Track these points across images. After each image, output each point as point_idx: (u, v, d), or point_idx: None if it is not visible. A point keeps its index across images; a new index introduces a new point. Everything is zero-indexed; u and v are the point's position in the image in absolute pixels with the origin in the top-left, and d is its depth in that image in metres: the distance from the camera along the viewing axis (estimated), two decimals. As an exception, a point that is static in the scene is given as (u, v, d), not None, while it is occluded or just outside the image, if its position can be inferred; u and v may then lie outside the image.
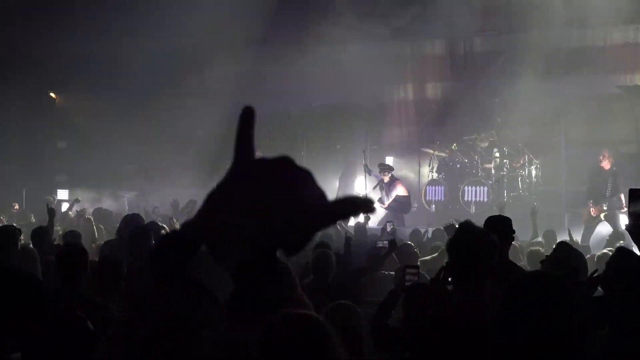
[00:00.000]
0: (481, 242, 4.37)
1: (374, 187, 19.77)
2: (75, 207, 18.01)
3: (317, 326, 2.75)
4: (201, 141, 22.21)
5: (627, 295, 5.41)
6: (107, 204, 19.45)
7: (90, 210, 17.00)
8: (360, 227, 14.33)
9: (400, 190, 19.29)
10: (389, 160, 21.40)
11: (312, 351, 2.72)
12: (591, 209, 16.76)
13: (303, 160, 22.92)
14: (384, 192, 19.34)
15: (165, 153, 21.90)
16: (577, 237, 13.19)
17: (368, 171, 20.04)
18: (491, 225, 6.41)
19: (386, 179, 19.37)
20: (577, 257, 6.65)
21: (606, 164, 16.94)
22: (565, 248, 7.01)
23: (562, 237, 12.55)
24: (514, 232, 6.74)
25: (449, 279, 4.65)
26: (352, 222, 13.97)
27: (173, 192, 18.73)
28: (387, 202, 19.15)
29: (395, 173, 19.86)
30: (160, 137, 22.03)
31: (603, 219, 16.41)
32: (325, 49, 21.21)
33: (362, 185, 20.72)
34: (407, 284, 5.95)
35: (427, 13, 21.97)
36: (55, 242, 10.35)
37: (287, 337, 2.74)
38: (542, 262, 6.75)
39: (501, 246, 6.29)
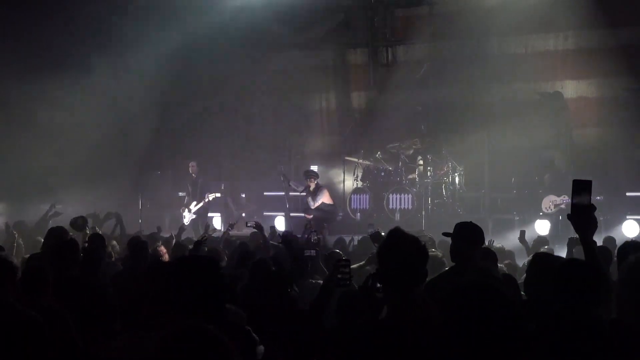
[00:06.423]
0: (414, 249, 4.32)
1: (301, 192, 19.78)
2: None
3: (211, 337, 2.70)
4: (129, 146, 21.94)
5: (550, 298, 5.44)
6: (28, 216, 18.88)
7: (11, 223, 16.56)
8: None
9: (326, 198, 19.35)
10: (314, 169, 21.38)
11: None
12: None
13: (226, 169, 22.80)
14: (309, 198, 19.35)
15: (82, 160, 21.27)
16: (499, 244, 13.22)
17: (286, 181, 19.99)
18: (462, 232, 6.45)
19: (312, 185, 19.40)
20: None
21: None
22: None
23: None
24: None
25: (378, 286, 4.59)
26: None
27: (95, 202, 18.37)
28: (313, 206, 19.19)
29: (320, 182, 19.88)
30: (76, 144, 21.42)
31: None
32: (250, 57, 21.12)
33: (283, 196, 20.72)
34: (339, 278, 5.81)
35: (350, 22, 22.12)
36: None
37: (181, 350, 2.67)
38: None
39: (472, 253, 6.33)
